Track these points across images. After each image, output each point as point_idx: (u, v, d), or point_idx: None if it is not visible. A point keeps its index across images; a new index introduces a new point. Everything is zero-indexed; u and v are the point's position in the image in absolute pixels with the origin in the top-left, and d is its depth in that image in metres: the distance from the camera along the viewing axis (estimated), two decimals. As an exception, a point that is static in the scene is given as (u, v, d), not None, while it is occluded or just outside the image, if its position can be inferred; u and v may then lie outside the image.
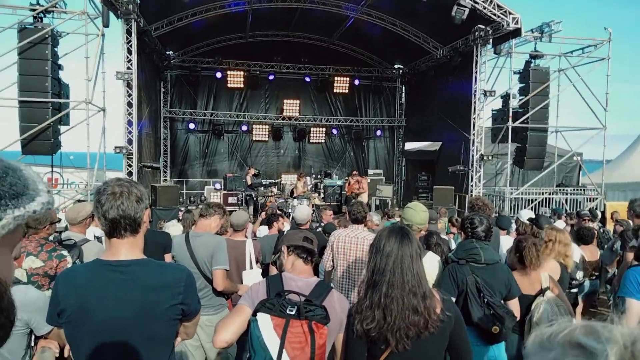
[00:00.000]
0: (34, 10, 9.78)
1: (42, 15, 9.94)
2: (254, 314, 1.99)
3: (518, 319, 3.14)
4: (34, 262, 3.10)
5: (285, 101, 18.53)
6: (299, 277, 2.17)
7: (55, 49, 10.00)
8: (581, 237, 5.72)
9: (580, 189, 14.80)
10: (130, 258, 1.80)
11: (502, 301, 3.10)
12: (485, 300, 2.96)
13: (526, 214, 6.19)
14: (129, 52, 11.05)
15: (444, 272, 3.25)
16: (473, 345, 2.98)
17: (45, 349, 2.30)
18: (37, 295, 2.37)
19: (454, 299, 3.03)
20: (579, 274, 4.83)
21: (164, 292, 1.78)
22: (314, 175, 17.46)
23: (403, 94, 19.90)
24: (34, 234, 3.24)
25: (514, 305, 3.15)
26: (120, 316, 1.74)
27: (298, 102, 18.65)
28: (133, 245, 1.82)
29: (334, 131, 19.45)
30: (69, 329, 1.79)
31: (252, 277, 4.51)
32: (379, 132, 19.91)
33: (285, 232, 5.01)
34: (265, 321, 1.95)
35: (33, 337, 2.42)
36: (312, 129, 19.07)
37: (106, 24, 10.27)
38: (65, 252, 3.27)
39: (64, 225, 4.55)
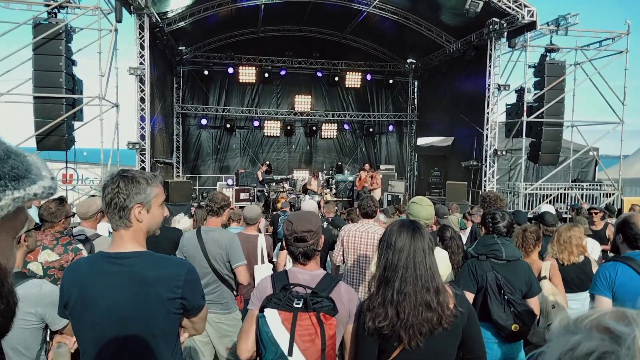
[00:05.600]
0: (48, 5, 9.86)
1: (57, 11, 10.02)
2: (261, 310, 1.98)
3: (538, 317, 3.09)
4: (50, 256, 3.12)
5: (296, 96, 18.51)
6: (304, 270, 2.14)
7: (69, 44, 10.08)
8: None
9: (597, 185, 14.57)
10: (131, 250, 1.80)
11: (522, 298, 3.04)
12: (506, 297, 2.91)
13: (546, 209, 6.11)
14: (142, 47, 11.09)
15: (462, 267, 3.20)
16: (492, 342, 2.95)
17: (61, 344, 2.30)
18: (51, 289, 2.35)
19: (472, 295, 2.99)
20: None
21: (161, 285, 1.76)
22: (325, 171, 17.45)
23: (415, 88, 19.76)
24: (50, 227, 3.27)
25: (534, 303, 3.09)
26: (119, 308, 1.74)
27: (310, 97, 18.61)
28: (131, 238, 1.81)
29: (346, 126, 19.38)
30: (73, 320, 1.82)
31: (264, 272, 4.51)
32: (391, 127, 19.79)
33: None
34: (273, 316, 1.94)
35: (48, 332, 2.43)
36: (323, 124, 19.02)
37: (119, 19, 10.32)
38: (80, 246, 3.28)
39: (78, 222, 4.59)
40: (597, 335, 0.60)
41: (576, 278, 3.98)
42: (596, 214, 6.30)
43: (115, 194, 1.76)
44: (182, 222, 5.79)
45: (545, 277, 3.64)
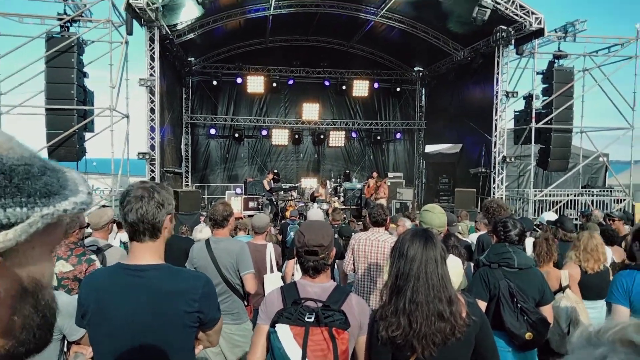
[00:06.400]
0: (61, 19, 10.04)
1: (69, 25, 10.20)
2: (273, 325, 1.97)
3: (551, 325, 3.06)
4: (64, 266, 3.16)
5: (304, 105, 18.59)
6: (314, 282, 2.11)
7: (81, 57, 10.24)
8: (607, 237, 5.59)
9: (607, 190, 14.44)
10: (150, 263, 1.80)
11: (536, 307, 3.03)
12: (519, 305, 2.89)
13: (549, 217, 6.06)
14: (152, 59, 11.23)
15: (474, 276, 3.18)
16: (505, 350, 2.93)
17: (78, 354, 2.32)
18: (68, 301, 2.36)
19: (485, 304, 2.97)
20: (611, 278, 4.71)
21: (179, 298, 1.77)
22: (333, 179, 17.46)
23: (423, 96, 19.76)
24: (64, 238, 3.31)
25: (548, 311, 3.07)
26: (136, 320, 1.74)
27: (317, 106, 18.68)
28: (153, 250, 1.81)
29: (353, 135, 19.41)
30: (90, 330, 1.83)
31: (273, 281, 4.53)
32: (398, 135, 19.79)
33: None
34: (284, 332, 1.92)
35: (66, 342, 2.45)
36: (331, 132, 19.06)
37: (130, 32, 10.47)
38: (94, 257, 3.31)
39: (89, 232, 4.64)
40: (622, 349, 0.58)
41: (597, 286, 3.93)
42: (613, 221, 6.08)
43: (146, 210, 1.75)
44: (204, 231, 5.80)
45: (567, 286, 3.61)
